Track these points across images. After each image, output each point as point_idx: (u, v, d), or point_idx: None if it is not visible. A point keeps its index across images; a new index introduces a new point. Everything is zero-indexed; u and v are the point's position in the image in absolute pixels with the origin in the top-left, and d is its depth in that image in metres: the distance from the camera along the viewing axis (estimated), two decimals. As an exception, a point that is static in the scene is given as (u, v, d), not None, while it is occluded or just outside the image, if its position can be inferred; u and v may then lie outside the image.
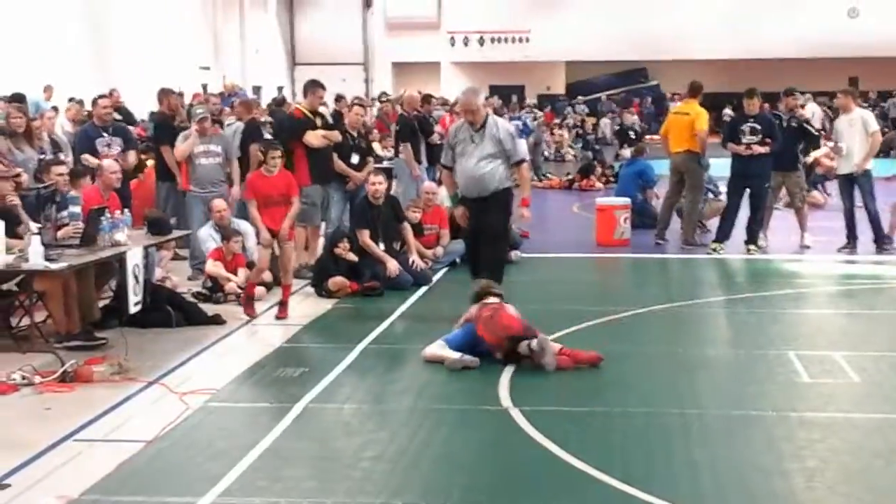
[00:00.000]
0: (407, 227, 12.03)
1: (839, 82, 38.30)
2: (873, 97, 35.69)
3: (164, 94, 13.86)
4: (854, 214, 13.86)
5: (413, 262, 11.71)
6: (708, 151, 14.70)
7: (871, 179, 13.84)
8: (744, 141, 13.55)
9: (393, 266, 11.40)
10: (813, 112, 26.02)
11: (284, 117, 14.17)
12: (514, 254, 13.32)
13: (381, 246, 11.66)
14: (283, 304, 10.33)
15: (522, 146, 9.73)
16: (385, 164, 15.71)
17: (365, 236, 11.55)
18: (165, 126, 13.33)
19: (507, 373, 8.14)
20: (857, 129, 13.73)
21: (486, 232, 9.76)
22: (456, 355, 8.38)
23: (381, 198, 11.81)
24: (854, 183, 13.79)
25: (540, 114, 30.07)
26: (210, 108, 15.16)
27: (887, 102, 35.91)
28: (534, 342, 8.21)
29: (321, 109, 12.56)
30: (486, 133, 9.65)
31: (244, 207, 11.39)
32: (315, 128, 12.09)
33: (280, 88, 32.62)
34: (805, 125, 14.59)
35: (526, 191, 10.00)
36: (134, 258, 9.32)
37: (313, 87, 12.32)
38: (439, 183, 14.64)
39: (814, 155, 18.92)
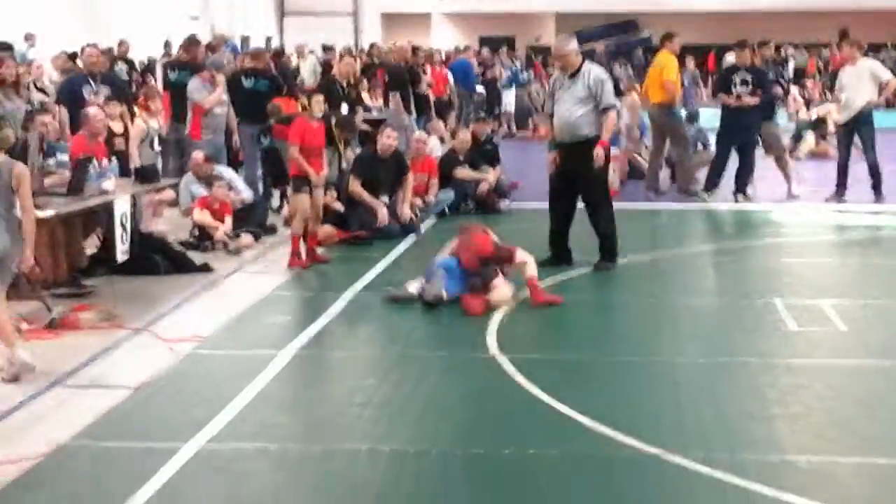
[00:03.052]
0: (409, 177, 12.00)
1: (829, 34, 38.33)
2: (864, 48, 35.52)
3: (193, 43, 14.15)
4: (847, 165, 13.84)
5: (402, 211, 11.68)
6: (699, 102, 14.68)
7: (872, 129, 13.80)
8: (734, 92, 13.53)
9: (383, 214, 11.39)
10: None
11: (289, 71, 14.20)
12: (504, 202, 13.35)
13: (385, 198, 11.67)
14: (311, 252, 10.32)
15: (610, 94, 9.82)
16: (374, 114, 15.61)
17: (356, 185, 11.53)
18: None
19: (496, 320, 8.16)
20: (864, 80, 13.66)
21: (580, 177, 9.88)
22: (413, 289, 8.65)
23: (391, 152, 11.80)
24: (855, 132, 13.75)
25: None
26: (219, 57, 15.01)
27: (881, 54, 35.77)
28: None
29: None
30: (579, 79, 9.80)
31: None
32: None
33: (269, 39, 32.31)
34: (780, 79, 14.62)
35: (606, 134, 9.82)
36: (121, 207, 9.29)
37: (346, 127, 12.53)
38: (428, 132, 14.65)
39: (825, 110, 18.96)
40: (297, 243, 10.25)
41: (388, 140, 11.76)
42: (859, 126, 13.68)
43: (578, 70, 9.83)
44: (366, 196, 11.52)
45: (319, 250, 10.50)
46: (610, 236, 10.04)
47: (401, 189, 11.87)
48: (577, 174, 9.88)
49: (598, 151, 9.69)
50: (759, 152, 14.31)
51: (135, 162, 11.61)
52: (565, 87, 9.88)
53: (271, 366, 7.06)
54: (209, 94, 12.60)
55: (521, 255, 8.78)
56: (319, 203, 10.42)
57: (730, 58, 22.13)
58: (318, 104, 10.39)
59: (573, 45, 10.02)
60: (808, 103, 21.83)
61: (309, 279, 9.91)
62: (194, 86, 12.67)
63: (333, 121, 12.04)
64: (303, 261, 10.18)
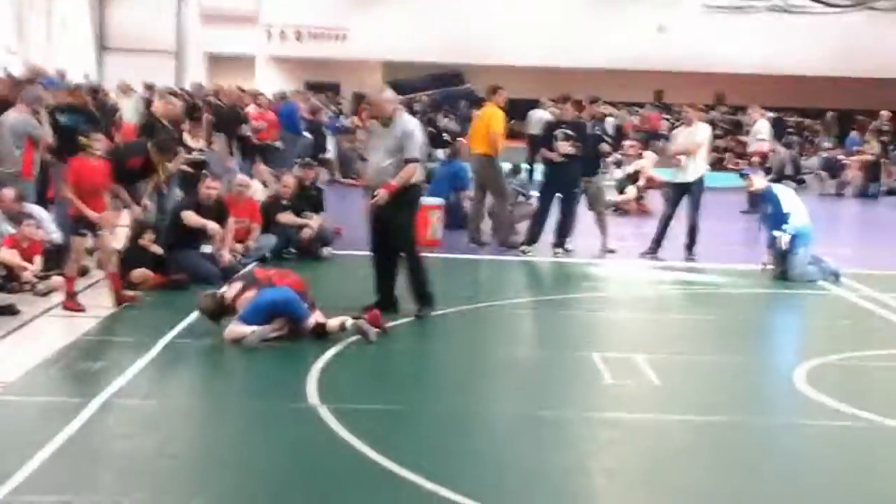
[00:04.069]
0: (229, 222, 11.83)
1: (647, 94, 39.74)
2: (677, 109, 37.03)
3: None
4: (669, 223, 14.24)
5: (221, 255, 11.47)
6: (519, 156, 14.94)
7: (702, 189, 14.26)
8: (557, 146, 13.76)
9: (213, 227, 11.37)
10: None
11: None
12: (326, 250, 13.25)
13: (207, 247, 11.53)
14: (118, 293, 10.02)
15: (415, 148, 9.82)
16: (195, 154, 15.32)
17: (190, 216, 11.40)
18: None
19: (317, 367, 8.05)
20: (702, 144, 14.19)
21: (388, 226, 9.89)
22: (248, 329, 8.55)
23: (212, 200, 11.64)
24: (685, 192, 14.19)
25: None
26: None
27: (711, 114, 37.30)
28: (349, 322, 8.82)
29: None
30: (393, 129, 9.81)
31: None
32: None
33: (87, 74, 31.49)
34: (603, 136, 15.03)
35: (396, 182, 9.68)
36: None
37: (166, 152, 12.04)
38: (251, 176, 14.47)
39: (638, 165, 19.64)
40: (72, 285, 9.92)
41: (208, 190, 11.59)
42: (691, 186, 14.11)
43: (391, 119, 9.88)
44: (200, 220, 11.38)
45: (130, 292, 10.19)
46: (419, 283, 10.01)
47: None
48: (387, 220, 9.89)
49: (381, 192, 9.63)
50: (582, 207, 14.59)
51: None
52: (379, 135, 9.97)
53: (80, 414, 6.74)
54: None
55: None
56: (108, 243, 10.12)
57: (539, 113, 22.79)
58: (98, 142, 10.10)
59: (388, 94, 10.10)
60: (619, 162, 22.47)
61: (122, 324, 9.58)
62: (31, 121, 12.09)
63: (150, 145, 11.74)
64: (77, 304, 9.82)
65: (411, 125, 10.03)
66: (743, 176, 14.07)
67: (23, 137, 11.94)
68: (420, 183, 10.12)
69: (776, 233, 12.70)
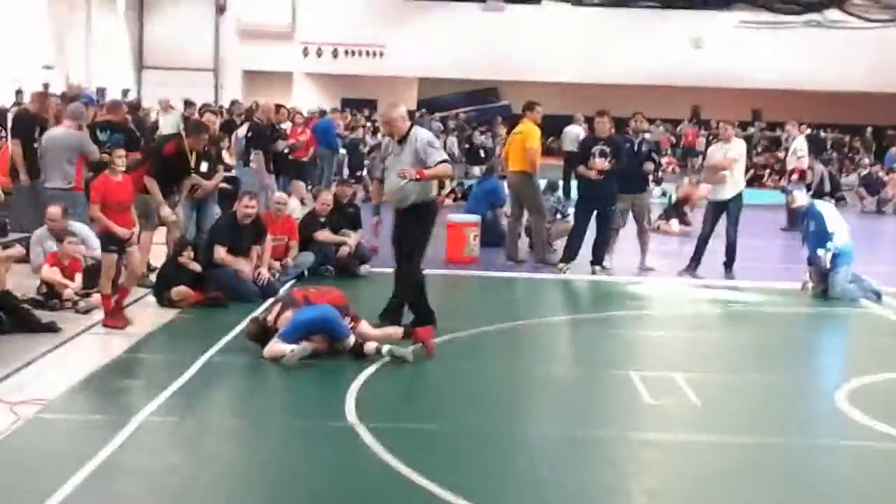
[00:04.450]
0: (267, 239, 11.87)
1: (682, 110, 39.60)
2: (714, 126, 36.90)
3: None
4: (708, 241, 14.15)
5: (259, 273, 11.49)
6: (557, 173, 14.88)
7: (740, 207, 14.17)
8: (594, 163, 13.69)
9: (244, 269, 11.27)
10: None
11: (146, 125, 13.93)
12: (363, 268, 13.26)
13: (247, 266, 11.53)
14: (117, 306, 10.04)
15: (437, 153, 9.79)
16: (235, 172, 15.42)
17: (222, 252, 11.31)
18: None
19: (356, 385, 8.04)
20: (739, 160, 14.09)
21: (403, 243, 9.95)
22: (287, 348, 8.58)
23: (252, 217, 11.64)
24: (723, 210, 14.11)
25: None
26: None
27: (750, 130, 37.23)
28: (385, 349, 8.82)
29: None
30: (407, 146, 9.75)
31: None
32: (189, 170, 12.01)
33: (126, 91, 31.78)
34: (652, 152, 14.86)
35: (430, 173, 9.66)
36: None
37: (197, 131, 12.30)
38: (288, 193, 14.53)
39: (686, 188, 19.43)
40: (109, 303, 9.95)
41: (246, 209, 11.57)
42: (728, 204, 14.04)
43: (406, 135, 9.82)
44: (230, 261, 11.32)
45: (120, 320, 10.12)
46: (409, 295, 9.97)
47: (259, 252, 11.70)
48: (404, 238, 9.95)
49: (410, 171, 9.48)
50: (630, 224, 14.51)
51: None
52: (395, 152, 9.87)
53: (120, 433, 6.77)
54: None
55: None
56: (134, 260, 10.17)
57: (574, 129, 22.65)
58: (121, 159, 10.17)
59: (401, 110, 10.00)
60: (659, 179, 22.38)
61: (162, 342, 9.63)
62: (83, 137, 12.29)
63: (182, 128, 11.87)
64: (116, 321, 9.87)
65: (427, 136, 9.99)
66: (785, 192, 13.95)
67: (76, 152, 12.10)
68: (436, 199, 10.19)
69: (819, 251, 12.59)
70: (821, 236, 12.66)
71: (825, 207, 13.32)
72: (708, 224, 14.28)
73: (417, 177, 9.50)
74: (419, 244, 10.00)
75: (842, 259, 12.55)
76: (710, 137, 26.87)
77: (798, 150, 20.72)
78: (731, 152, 14.09)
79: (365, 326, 9.14)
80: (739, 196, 14.08)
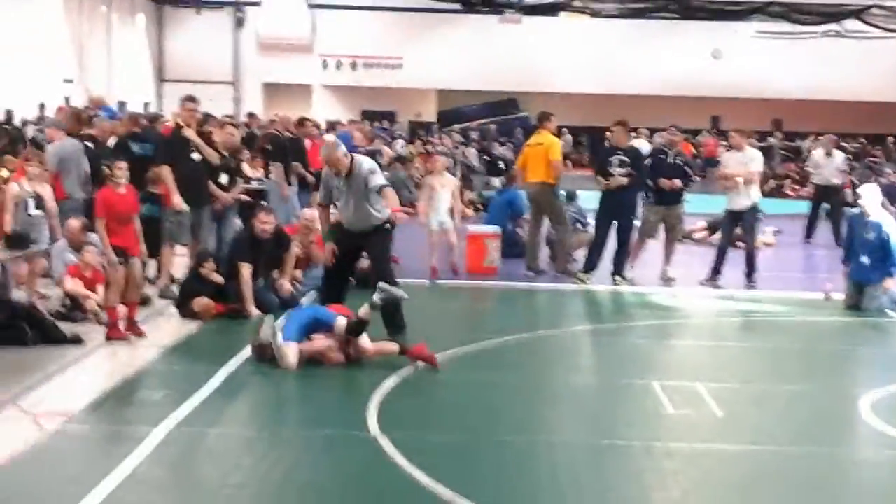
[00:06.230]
0: (291, 253, 11.83)
1: (702, 120, 39.55)
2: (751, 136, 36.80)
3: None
4: (726, 251, 14.10)
5: (282, 285, 11.51)
6: (578, 183, 14.84)
7: (756, 216, 14.15)
8: (613, 173, 13.68)
9: (252, 312, 10.97)
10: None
11: (158, 137, 13.89)
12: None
13: (260, 280, 11.47)
14: (131, 322, 10.06)
15: (378, 177, 10.21)
16: (254, 184, 15.44)
17: (246, 270, 11.13)
18: None
19: (377, 396, 8.06)
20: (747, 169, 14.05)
21: (370, 250, 10.45)
22: (294, 348, 8.80)
23: (269, 234, 11.55)
24: (739, 219, 14.10)
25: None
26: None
27: (769, 140, 37.19)
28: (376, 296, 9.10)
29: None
30: (354, 178, 10.15)
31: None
32: (187, 145, 11.93)
33: (146, 104, 31.98)
34: (686, 165, 14.78)
35: (394, 207, 10.17)
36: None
37: (183, 101, 12.43)
38: (309, 205, 14.52)
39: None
40: (115, 315, 9.96)
41: (262, 225, 11.41)
42: (744, 214, 14.02)
43: (351, 170, 10.19)
44: (248, 289, 11.07)
45: (139, 324, 10.18)
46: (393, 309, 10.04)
47: (282, 263, 11.69)
48: (368, 247, 10.42)
49: (400, 215, 10.31)
50: (661, 235, 14.48)
51: (7, 227, 11.25)
52: (342, 189, 10.26)
53: (144, 444, 6.80)
54: None
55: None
56: (135, 272, 10.17)
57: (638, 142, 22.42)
58: (122, 171, 10.24)
59: (341, 149, 10.33)
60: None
61: (184, 353, 9.67)
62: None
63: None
64: (122, 332, 9.88)
65: (369, 163, 10.38)
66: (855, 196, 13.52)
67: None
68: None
69: (889, 282, 12.35)
70: (881, 253, 12.35)
71: (892, 223, 12.74)
72: (725, 234, 14.25)
73: (398, 215, 10.19)
74: (387, 258, 10.45)
75: (881, 275, 12.39)
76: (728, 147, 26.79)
77: (838, 164, 20.02)
78: (753, 164, 14.06)
79: (363, 340, 9.10)
80: (755, 207, 14.03)
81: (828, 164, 19.80)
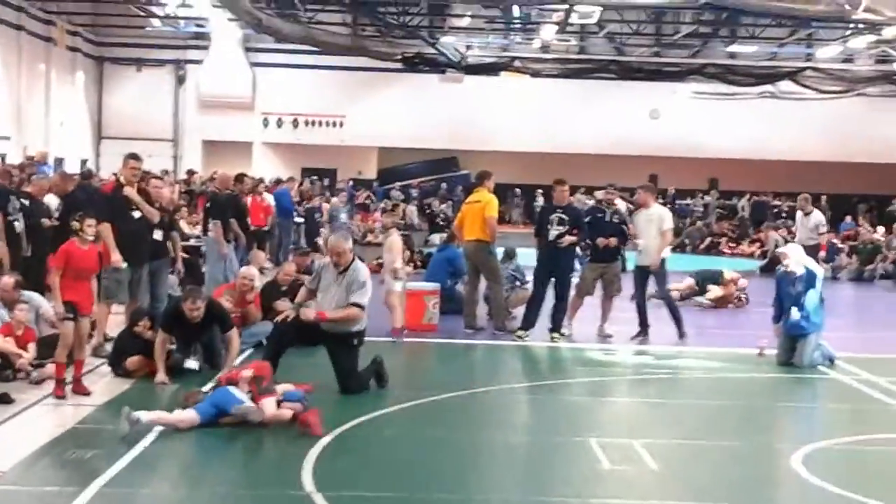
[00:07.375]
0: (234, 335, 11.00)
1: (640, 178, 39.93)
2: (672, 194, 37.40)
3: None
4: (645, 305, 14.33)
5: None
6: (517, 241, 14.90)
7: (665, 271, 14.37)
8: (552, 230, 13.79)
9: (164, 382, 10.53)
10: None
11: (95, 192, 13.80)
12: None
13: (193, 362, 11.01)
14: (76, 381, 9.91)
15: (362, 296, 10.30)
16: (192, 241, 15.38)
17: (161, 336, 10.71)
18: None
19: (313, 453, 8.00)
20: (654, 225, 14.24)
21: (336, 359, 10.36)
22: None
23: (199, 318, 10.87)
24: (649, 275, 14.26)
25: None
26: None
27: (690, 201, 37.73)
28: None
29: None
30: (347, 275, 10.29)
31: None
32: (128, 203, 11.88)
33: (84, 161, 31.70)
34: (623, 223, 14.91)
35: (332, 315, 10.25)
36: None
37: (126, 159, 12.32)
38: (247, 262, 14.46)
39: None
40: (62, 371, 9.81)
41: (191, 312, 10.73)
42: (653, 269, 14.21)
43: (347, 267, 10.34)
44: (161, 357, 10.64)
45: (85, 382, 10.10)
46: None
47: (225, 349, 11.05)
48: (336, 354, 10.36)
49: (316, 315, 10.27)
50: (598, 292, 14.59)
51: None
52: (331, 280, 10.38)
53: (73, 504, 6.69)
54: None
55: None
56: (83, 330, 10.04)
57: (538, 199, 22.58)
58: (91, 228, 10.14)
59: (349, 244, 10.53)
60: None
61: (116, 411, 9.44)
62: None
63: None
64: (64, 392, 9.74)
65: (364, 274, 10.44)
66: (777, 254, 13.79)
67: None
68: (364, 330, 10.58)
69: (823, 342, 12.62)
70: (797, 301, 12.53)
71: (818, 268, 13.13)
72: (638, 288, 14.43)
73: (320, 318, 10.20)
74: (354, 373, 10.40)
75: (815, 328, 12.58)
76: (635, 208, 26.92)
77: (819, 224, 19.31)
78: (664, 224, 14.29)
79: (268, 403, 8.97)
80: (662, 262, 14.23)
81: (803, 223, 19.34)
